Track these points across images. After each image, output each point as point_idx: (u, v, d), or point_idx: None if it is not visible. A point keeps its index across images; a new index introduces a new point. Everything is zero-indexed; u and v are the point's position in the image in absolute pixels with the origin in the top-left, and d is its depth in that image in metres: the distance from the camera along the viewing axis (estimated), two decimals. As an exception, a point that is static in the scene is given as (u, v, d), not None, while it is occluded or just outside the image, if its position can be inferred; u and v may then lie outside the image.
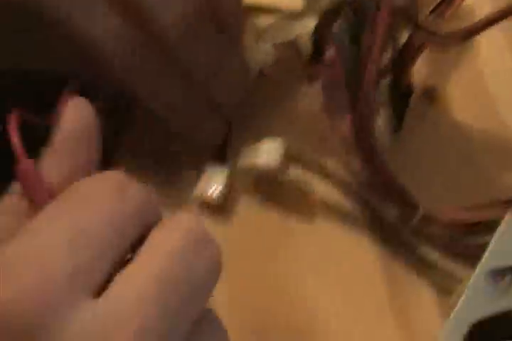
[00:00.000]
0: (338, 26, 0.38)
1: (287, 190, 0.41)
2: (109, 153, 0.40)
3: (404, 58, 0.41)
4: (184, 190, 0.40)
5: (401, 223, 0.40)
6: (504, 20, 0.36)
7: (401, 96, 0.42)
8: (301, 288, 0.39)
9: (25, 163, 0.25)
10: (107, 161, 0.39)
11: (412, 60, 0.41)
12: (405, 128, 0.42)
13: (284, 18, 0.43)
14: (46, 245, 0.22)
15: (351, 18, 0.38)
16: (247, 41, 0.41)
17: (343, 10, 0.38)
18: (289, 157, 0.40)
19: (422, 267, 0.40)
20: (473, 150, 0.43)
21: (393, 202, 0.40)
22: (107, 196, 0.24)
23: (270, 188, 0.41)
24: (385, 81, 0.41)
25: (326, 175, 0.40)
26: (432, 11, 0.40)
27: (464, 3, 0.41)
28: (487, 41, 0.46)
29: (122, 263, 0.23)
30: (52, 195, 0.24)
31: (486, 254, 0.36)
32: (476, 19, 0.37)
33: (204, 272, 0.24)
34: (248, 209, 0.41)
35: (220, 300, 0.38)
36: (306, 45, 0.42)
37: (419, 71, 0.43)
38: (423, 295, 0.39)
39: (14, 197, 0.25)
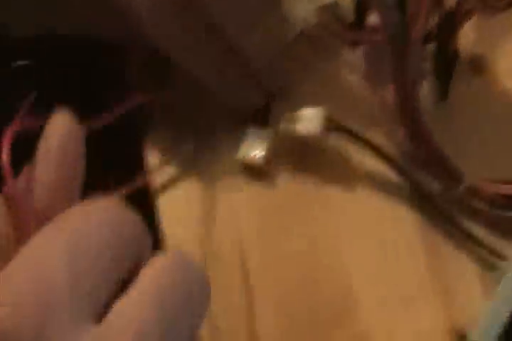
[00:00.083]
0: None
1: (327, 157, 0.40)
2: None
3: (450, 24, 0.39)
4: (226, 154, 0.40)
5: (444, 195, 0.39)
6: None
7: (446, 64, 0.41)
8: (336, 258, 0.39)
9: (11, 186, 0.24)
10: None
11: (459, 26, 0.39)
12: (451, 97, 0.41)
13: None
14: (45, 268, 0.22)
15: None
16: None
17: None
18: (330, 125, 0.39)
19: (464, 241, 0.39)
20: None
21: (437, 174, 0.39)
22: (107, 222, 0.24)
23: (310, 155, 0.40)
24: (430, 47, 0.40)
25: (367, 144, 0.39)
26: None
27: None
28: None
29: (119, 289, 0.23)
30: (38, 218, 0.24)
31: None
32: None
33: (197, 297, 0.25)
34: (288, 175, 0.40)
35: (254, 265, 0.38)
36: (349, 9, 0.40)
37: (466, 38, 0.42)
38: (465, 270, 0.39)
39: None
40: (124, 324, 0.22)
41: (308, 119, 0.38)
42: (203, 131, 0.41)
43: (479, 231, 0.39)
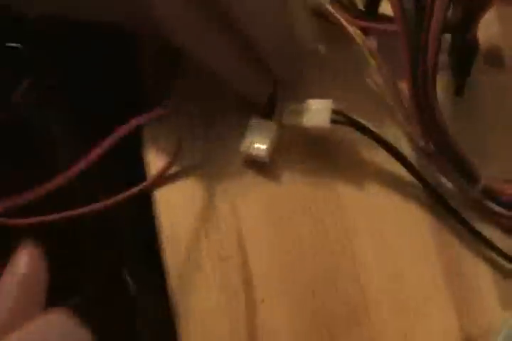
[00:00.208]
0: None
1: (335, 152, 0.39)
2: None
3: (469, 14, 0.37)
4: (228, 146, 0.38)
5: (459, 196, 0.37)
6: None
7: (465, 57, 0.39)
8: (347, 259, 0.37)
9: None
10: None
11: (478, 16, 0.37)
12: (468, 92, 0.39)
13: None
14: None
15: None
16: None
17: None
18: (339, 118, 0.36)
19: (480, 246, 0.37)
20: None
21: (451, 173, 0.37)
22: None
23: (317, 150, 0.39)
24: (447, 39, 0.38)
25: (378, 139, 0.36)
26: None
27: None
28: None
29: None
30: None
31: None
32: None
33: None
34: (293, 170, 0.38)
35: (261, 264, 0.36)
36: (362, -4, 0.39)
37: (486, 30, 0.39)
38: (480, 276, 0.37)
39: None
40: None
41: (315, 112, 0.36)
42: (205, 123, 0.39)
43: (495, 235, 0.37)
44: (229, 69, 0.37)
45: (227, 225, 0.37)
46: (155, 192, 0.38)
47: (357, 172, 0.38)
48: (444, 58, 0.38)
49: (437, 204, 0.37)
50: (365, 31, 0.39)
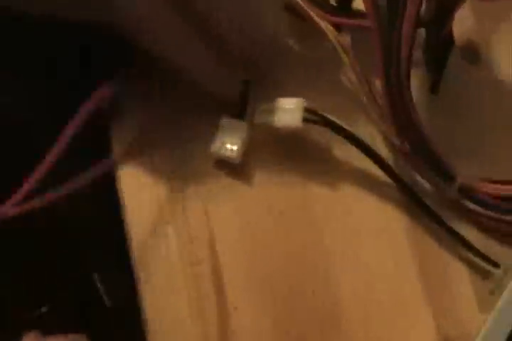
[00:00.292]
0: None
1: (308, 152, 0.38)
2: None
3: (443, 8, 0.36)
4: (198, 147, 0.37)
5: (435, 195, 0.37)
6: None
7: (439, 52, 0.38)
8: (319, 262, 0.36)
9: None
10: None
11: (453, 10, 0.36)
12: (444, 89, 0.38)
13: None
14: None
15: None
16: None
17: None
18: (312, 117, 0.36)
19: (456, 246, 0.36)
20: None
21: (427, 172, 0.36)
22: None
23: (290, 150, 0.38)
24: (421, 34, 0.37)
25: (352, 138, 0.36)
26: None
27: None
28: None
29: None
30: None
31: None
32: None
33: None
34: (265, 171, 0.37)
35: (233, 270, 0.36)
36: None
37: (461, 24, 0.39)
38: (457, 277, 0.36)
39: None
40: None
41: (287, 111, 0.35)
42: (174, 123, 0.38)
43: (473, 235, 0.36)
44: (198, 68, 0.36)
45: (197, 229, 0.36)
46: (123, 194, 0.37)
47: (331, 172, 0.37)
48: (418, 54, 0.37)
49: (413, 204, 0.36)
50: (337, 27, 0.38)
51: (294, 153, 0.37)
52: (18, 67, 0.38)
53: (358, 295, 0.35)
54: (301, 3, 0.38)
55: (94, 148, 0.38)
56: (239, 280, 0.36)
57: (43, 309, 0.39)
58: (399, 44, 0.34)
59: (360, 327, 0.35)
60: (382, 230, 0.36)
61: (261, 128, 0.36)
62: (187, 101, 0.38)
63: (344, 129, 0.35)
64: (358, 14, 0.37)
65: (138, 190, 0.37)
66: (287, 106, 0.36)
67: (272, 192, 0.37)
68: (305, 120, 0.35)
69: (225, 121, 0.37)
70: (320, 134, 0.37)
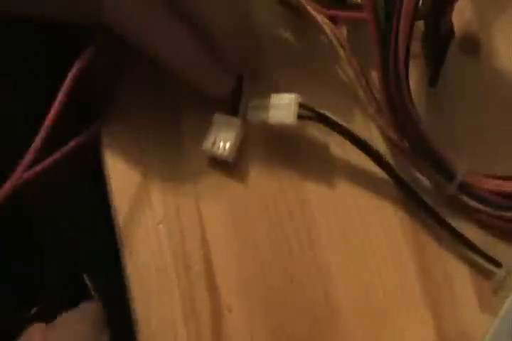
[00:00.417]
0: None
1: (303, 149, 0.37)
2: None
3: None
4: (190, 144, 0.37)
5: (434, 193, 0.36)
6: None
7: (438, 44, 0.36)
8: (315, 262, 0.35)
9: None
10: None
11: (452, 1, 0.34)
12: (443, 83, 0.37)
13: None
14: None
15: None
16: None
17: None
18: (306, 113, 0.34)
19: (456, 245, 0.35)
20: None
21: (426, 169, 0.35)
22: None
23: (284, 147, 0.37)
24: (420, 26, 0.36)
25: (348, 135, 0.34)
26: None
27: None
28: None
29: None
30: None
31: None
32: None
33: None
34: (259, 169, 0.36)
35: (230, 272, 0.35)
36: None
37: (461, 15, 0.38)
38: (457, 277, 0.35)
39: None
40: None
41: (281, 107, 0.34)
42: (166, 119, 0.37)
43: (474, 234, 0.35)
44: (191, 66, 0.35)
45: (190, 229, 0.35)
46: (114, 193, 0.36)
47: (327, 169, 0.36)
48: (416, 47, 0.36)
49: (412, 201, 0.35)
50: (333, 20, 0.37)
51: (289, 150, 0.37)
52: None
53: (355, 296, 0.35)
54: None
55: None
56: (232, 281, 0.35)
57: (33, 311, 0.38)
58: (396, 35, 0.33)
59: (358, 328, 0.34)
60: (380, 228, 0.35)
61: (255, 124, 0.36)
62: (179, 97, 0.37)
63: (340, 125, 0.34)
64: (354, 6, 0.37)
65: (129, 189, 0.36)
66: (281, 102, 0.34)
67: (266, 190, 0.36)
68: (300, 116, 0.34)
69: (218, 117, 0.36)
70: (316, 130, 0.36)
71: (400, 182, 0.35)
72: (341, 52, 0.36)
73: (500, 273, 0.33)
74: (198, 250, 0.35)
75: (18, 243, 0.39)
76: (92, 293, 0.39)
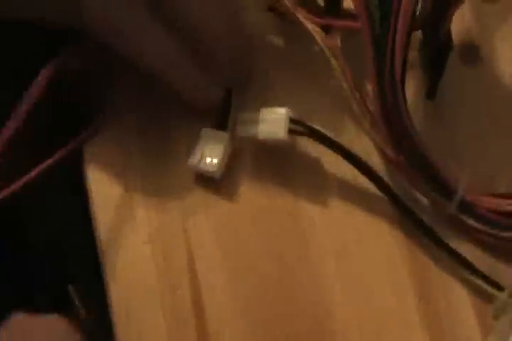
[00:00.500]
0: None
1: (294, 165, 0.36)
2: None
3: (441, 7, 0.33)
4: (177, 159, 0.35)
5: (432, 212, 0.34)
6: None
7: (436, 55, 0.35)
8: (307, 281, 0.34)
9: None
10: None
11: (451, 9, 0.33)
12: (441, 94, 0.36)
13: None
14: None
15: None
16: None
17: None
18: (297, 128, 0.33)
19: (456, 267, 0.34)
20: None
21: (423, 186, 0.34)
22: None
23: (275, 162, 0.36)
24: (418, 36, 0.35)
25: (341, 150, 0.33)
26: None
27: None
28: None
29: None
30: None
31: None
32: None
33: None
34: (248, 185, 0.35)
35: (216, 296, 0.34)
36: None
37: (460, 25, 0.37)
38: (457, 301, 0.34)
39: None
40: None
41: (270, 122, 0.33)
42: (152, 135, 0.36)
43: (475, 255, 0.34)
44: (178, 75, 0.34)
45: (175, 249, 0.34)
46: (97, 210, 0.35)
47: (320, 186, 0.35)
48: (413, 58, 0.35)
49: (408, 221, 0.34)
50: (326, 29, 0.35)
51: (279, 165, 0.35)
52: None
53: (349, 317, 0.33)
54: (286, 3, 0.35)
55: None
56: (221, 304, 0.33)
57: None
58: (393, 46, 0.32)
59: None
60: (374, 250, 0.34)
61: (244, 138, 0.34)
62: (167, 110, 0.36)
63: (332, 140, 0.33)
64: (348, 15, 0.35)
65: (112, 208, 0.35)
66: (272, 117, 0.33)
67: (255, 208, 0.35)
68: (290, 131, 0.33)
69: (205, 131, 0.35)
70: (307, 145, 0.35)
71: (394, 199, 0.34)
72: (334, 62, 0.35)
73: (501, 296, 0.32)
74: (184, 272, 0.34)
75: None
76: (76, 303, 0.38)
